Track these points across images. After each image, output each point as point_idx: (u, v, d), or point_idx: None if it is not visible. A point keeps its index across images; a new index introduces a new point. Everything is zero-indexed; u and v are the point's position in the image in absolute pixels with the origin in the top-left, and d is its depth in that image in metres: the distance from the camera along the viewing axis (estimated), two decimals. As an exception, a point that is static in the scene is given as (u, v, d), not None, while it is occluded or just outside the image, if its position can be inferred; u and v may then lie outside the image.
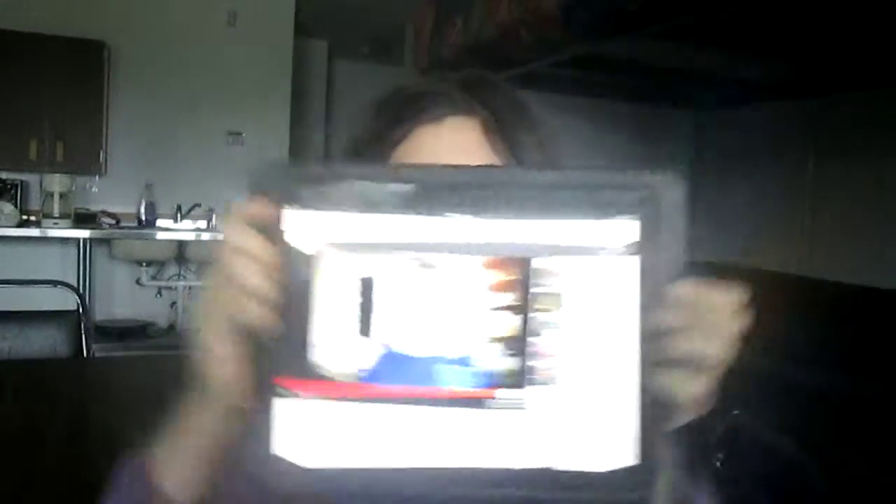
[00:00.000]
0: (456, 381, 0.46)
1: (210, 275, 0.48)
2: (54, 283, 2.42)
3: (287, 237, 0.47)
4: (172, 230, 4.66)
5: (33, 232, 4.27)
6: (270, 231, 0.46)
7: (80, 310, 2.08)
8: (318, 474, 0.47)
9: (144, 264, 4.72)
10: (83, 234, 4.31)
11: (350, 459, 0.47)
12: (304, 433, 0.47)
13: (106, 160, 4.63)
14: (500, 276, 0.46)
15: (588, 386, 0.46)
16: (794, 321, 3.47)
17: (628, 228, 0.45)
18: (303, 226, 0.47)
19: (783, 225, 4.61)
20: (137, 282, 4.76)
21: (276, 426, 0.47)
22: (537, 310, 0.46)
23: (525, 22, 3.31)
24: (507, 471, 0.46)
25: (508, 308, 0.46)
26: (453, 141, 0.65)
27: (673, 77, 4.05)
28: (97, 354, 2.63)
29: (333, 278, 0.47)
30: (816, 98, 4.28)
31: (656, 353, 0.45)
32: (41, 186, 4.30)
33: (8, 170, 4.42)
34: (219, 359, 0.47)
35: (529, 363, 0.46)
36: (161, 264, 4.82)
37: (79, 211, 4.42)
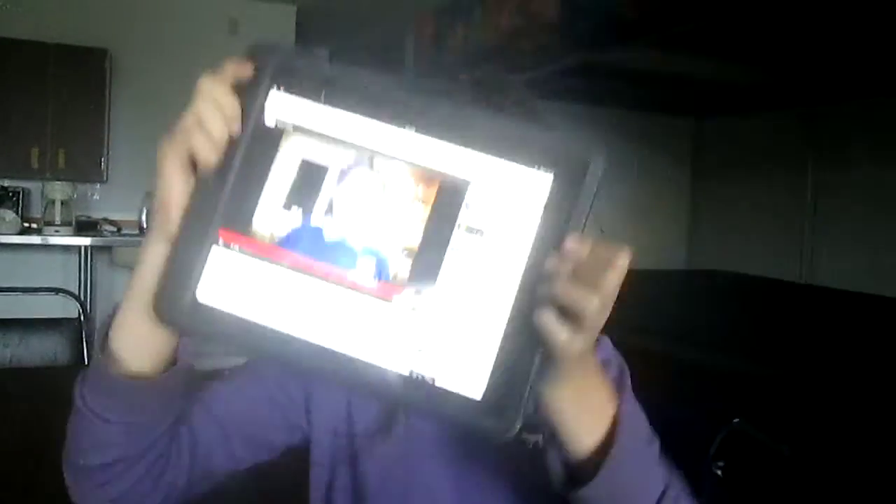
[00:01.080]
0: (359, 269, 0.51)
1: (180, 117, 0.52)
2: (56, 290, 2.42)
3: (261, 110, 0.52)
4: (173, 237, 4.66)
5: (35, 239, 4.27)
6: (248, 97, 0.52)
7: (82, 317, 2.08)
8: (228, 320, 0.51)
9: (145, 272, 4.73)
10: (84, 241, 4.31)
11: (259, 316, 0.51)
12: (227, 283, 0.51)
13: (107, 168, 4.63)
14: (421, 190, 0.51)
15: (482, 309, 0.50)
16: (795, 328, 3.47)
17: (543, 180, 0.50)
18: (277, 103, 0.52)
19: (783, 232, 4.61)
20: (138, 289, 4.76)
21: (206, 271, 0.51)
22: (461, 227, 0.51)
23: (525, 30, 3.32)
24: (381, 370, 0.50)
25: (418, 218, 0.51)
26: None
27: (673, 85, 4.06)
28: (98, 362, 2.62)
29: (286, 155, 0.52)
30: (816, 106, 4.29)
31: (535, 294, 0.49)
32: (43, 194, 4.30)
33: (10, 177, 4.43)
34: (169, 185, 0.52)
35: (437, 273, 0.50)
36: (162, 272, 4.82)
37: (80, 218, 4.42)
